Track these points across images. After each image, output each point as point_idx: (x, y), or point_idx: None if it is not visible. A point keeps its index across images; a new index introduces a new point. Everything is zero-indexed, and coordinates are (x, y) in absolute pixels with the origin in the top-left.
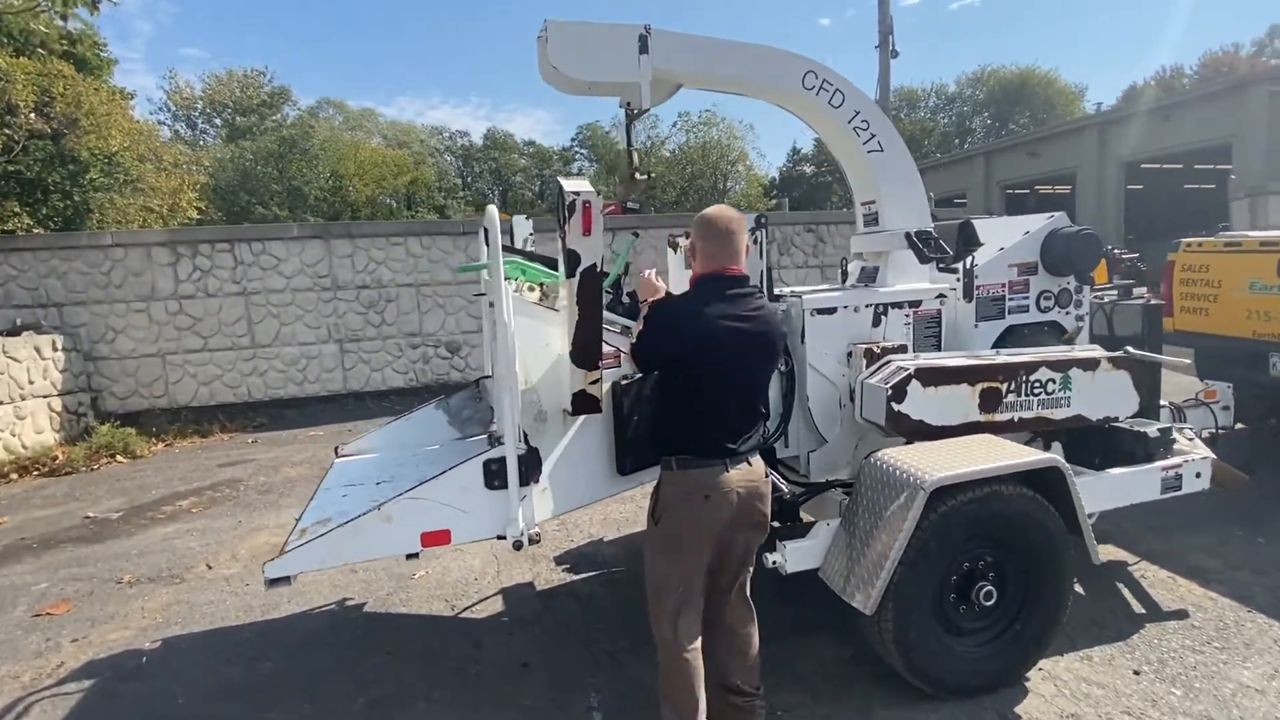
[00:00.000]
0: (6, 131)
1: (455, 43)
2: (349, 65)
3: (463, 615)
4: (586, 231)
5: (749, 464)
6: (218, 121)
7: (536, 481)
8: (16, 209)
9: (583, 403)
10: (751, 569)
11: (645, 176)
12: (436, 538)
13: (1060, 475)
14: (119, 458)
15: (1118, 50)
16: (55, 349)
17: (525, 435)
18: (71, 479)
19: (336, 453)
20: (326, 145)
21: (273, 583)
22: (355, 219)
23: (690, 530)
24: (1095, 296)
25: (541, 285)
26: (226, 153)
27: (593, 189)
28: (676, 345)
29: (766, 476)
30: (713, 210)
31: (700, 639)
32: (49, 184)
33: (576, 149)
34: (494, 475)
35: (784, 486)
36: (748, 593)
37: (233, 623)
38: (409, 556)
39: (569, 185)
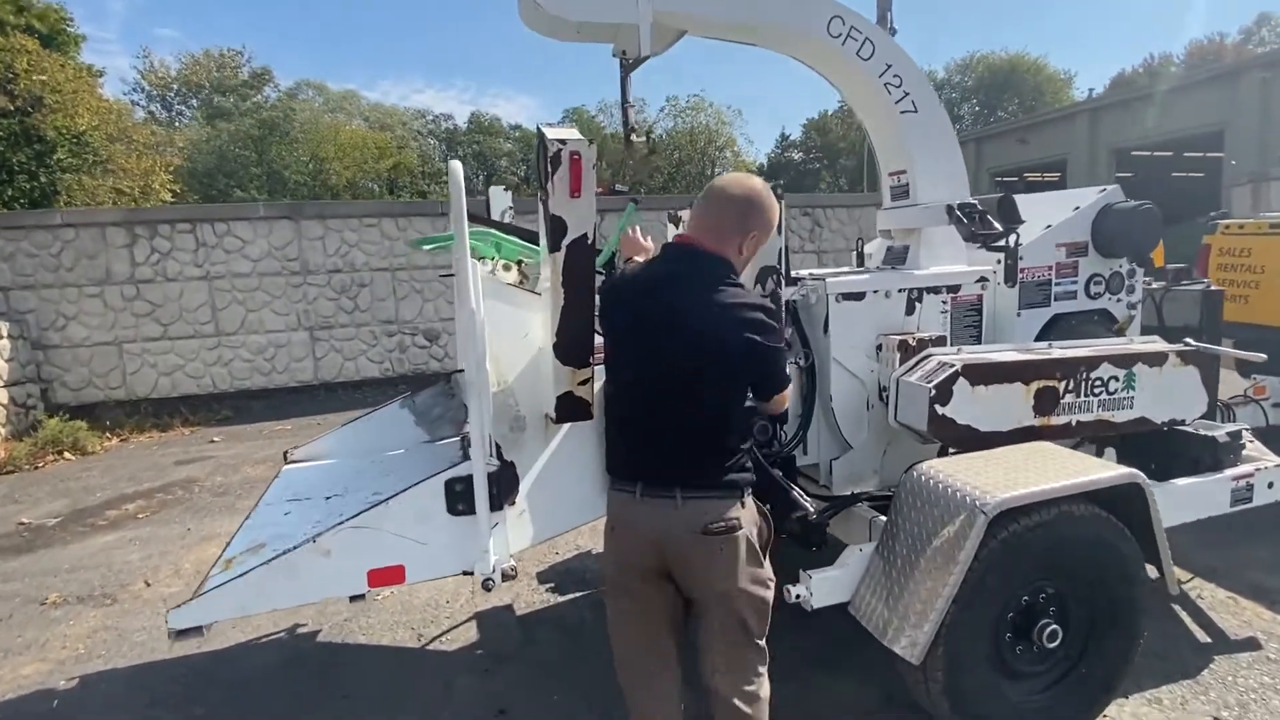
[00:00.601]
0: None
1: (439, 25)
2: (330, 48)
3: (431, 647)
4: (575, 192)
5: (677, 505)
6: (194, 102)
7: (512, 503)
8: None
9: (569, 407)
10: (731, 663)
11: (644, 139)
12: (387, 575)
13: (1139, 492)
14: (67, 454)
15: (1106, 37)
16: (0, 336)
17: (498, 447)
18: (12, 478)
19: (286, 458)
20: (306, 128)
21: (180, 634)
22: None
23: (606, 570)
24: (1146, 281)
25: (520, 263)
26: (202, 134)
27: (583, 138)
28: (602, 328)
29: (720, 531)
30: (728, 174)
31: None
32: (14, 164)
33: None
34: (458, 498)
35: (807, 504)
36: (735, 697)
37: (166, 655)
38: (353, 599)
39: (553, 133)
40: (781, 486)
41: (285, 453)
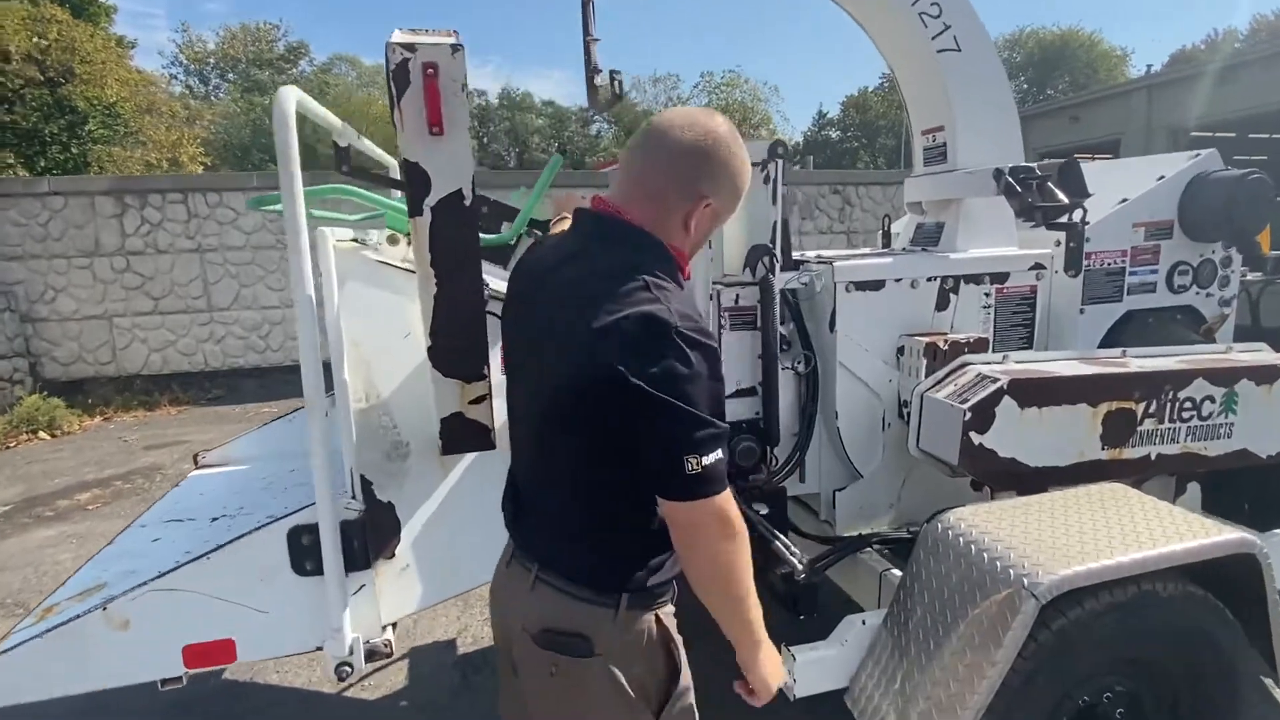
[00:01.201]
0: (0, 79)
1: (475, 2)
2: (368, 22)
3: (351, 693)
4: (435, 125)
5: (530, 583)
6: (231, 76)
7: (390, 557)
8: (11, 160)
9: (459, 434)
10: None
11: (611, 82)
12: (210, 653)
13: (1252, 563)
14: (41, 434)
15: (1166, 12)
16: None
17: (368, 484)
18: None
19: (196, 462)
20: (339, 101)
21: None
22: None
23: None
24: (1241, 271)
25: (410, 236)
26: (237, 108)
27: (445, 42)
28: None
29: (559, 645)
30: (677, 110)
31: None
32: (46, 135)
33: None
34: (306, 553)
35: (795, 557)
36: None
37: (50, 694)
38: (165, 683)
39: (401, 35)
40: (763, 531)
41: (196, 455)
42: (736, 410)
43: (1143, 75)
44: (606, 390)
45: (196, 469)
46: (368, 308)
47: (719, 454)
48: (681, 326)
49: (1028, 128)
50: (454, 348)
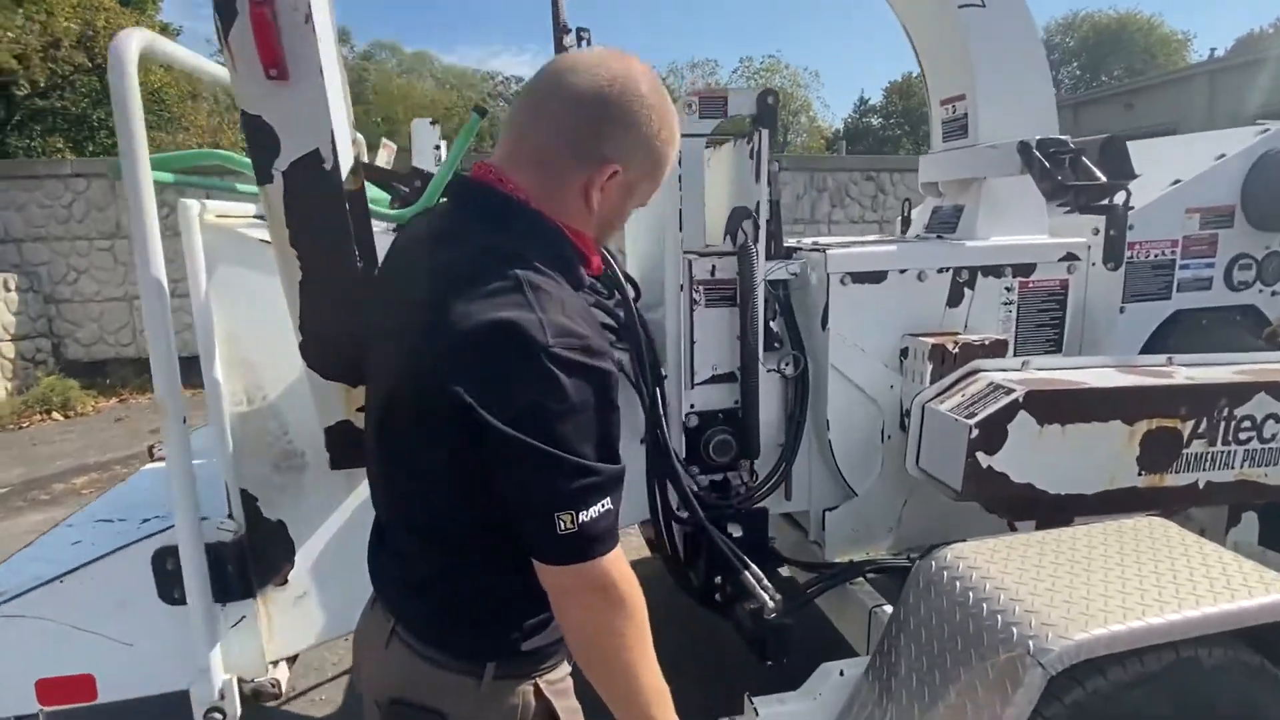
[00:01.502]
0: (51, 66)
1: None
2: (408, 7)
3: (293, 706)
4: (271, 66)
5: (388, 640)
6: None
7: (282, 583)
8: (61, 145)
9: (349, 445)
10: None
11: (579, 43)
12: (67, 689)
13: None
14: (54, 414)
15: None
16: (8, 288)
17: (252, 500)
18: None
19: (151, 454)
20: (379, 88)
21: None
22: None
23: None
24: None
25: None
26: None
27: None
28: None
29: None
30: (577, 53)
31: None
32: (94, 121)
33: None
34: (174, 579)
35: (765, 591)
36: None
37: None
38: None
39: None
40: (732, 559)
41: (150, 448)
42: (712, 399)
43: (1204, 60)
44: (449, 421)
45: (151, 461)
46: (246, 294)
47: (604, 506)
48: (555, 345)
49: (1078, 115)
50: (325, 344)
